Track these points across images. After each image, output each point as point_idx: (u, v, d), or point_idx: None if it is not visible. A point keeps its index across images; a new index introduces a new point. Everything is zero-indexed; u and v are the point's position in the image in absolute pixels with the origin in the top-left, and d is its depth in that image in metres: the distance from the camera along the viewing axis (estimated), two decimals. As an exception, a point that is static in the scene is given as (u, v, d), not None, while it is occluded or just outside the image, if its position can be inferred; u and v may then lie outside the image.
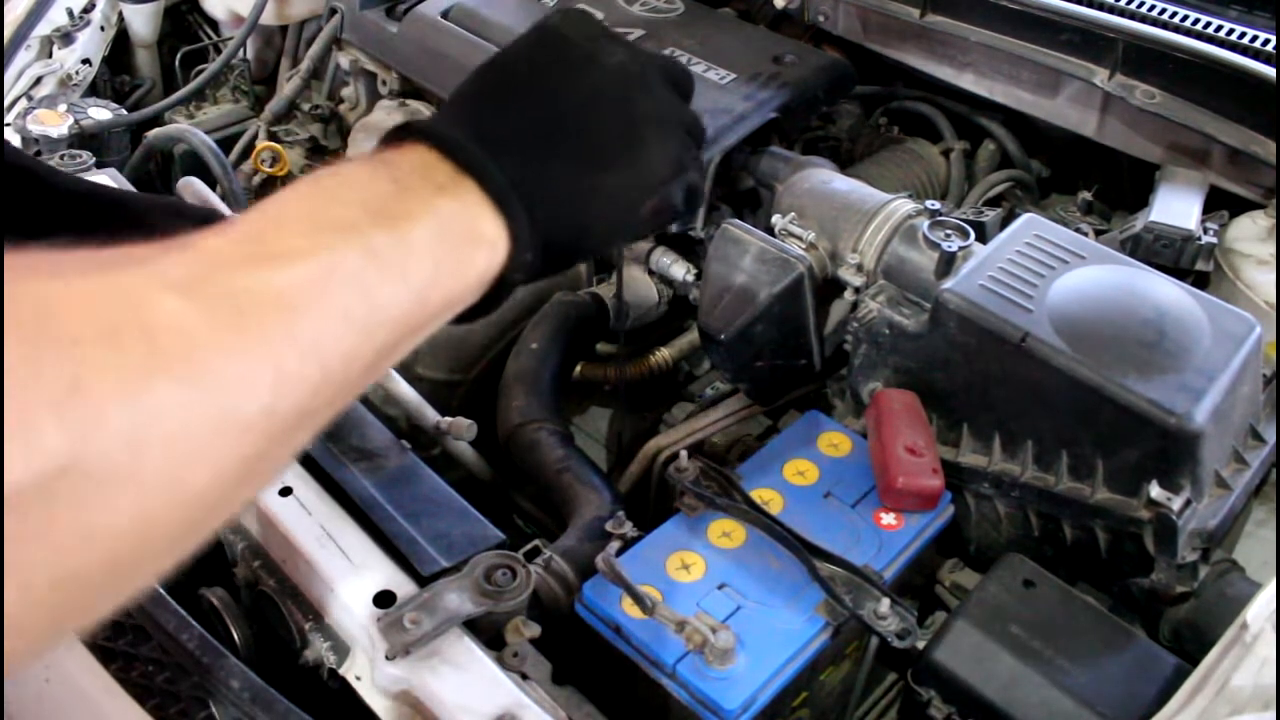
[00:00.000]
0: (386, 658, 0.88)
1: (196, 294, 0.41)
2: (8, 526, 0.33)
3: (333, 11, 1.84)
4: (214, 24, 2.12)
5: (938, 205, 1.25)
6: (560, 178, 0.60)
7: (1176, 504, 0.98)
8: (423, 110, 1.72)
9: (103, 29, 1.90)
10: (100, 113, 1.67)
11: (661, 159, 0.65)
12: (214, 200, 1.38)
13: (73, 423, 0.35)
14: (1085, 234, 1.32)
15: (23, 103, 1.70)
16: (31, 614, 0.36)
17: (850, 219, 1.26)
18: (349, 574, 0.95)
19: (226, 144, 1.83)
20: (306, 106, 1.94)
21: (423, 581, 0.94)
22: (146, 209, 0.87)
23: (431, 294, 0.52)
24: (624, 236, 0.69)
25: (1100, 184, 1.56)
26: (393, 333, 0.50)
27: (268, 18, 1.94)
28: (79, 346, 0.36)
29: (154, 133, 1.72)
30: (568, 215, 0.61)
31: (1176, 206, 1.33)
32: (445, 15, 1.69)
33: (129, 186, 1.42)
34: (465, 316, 0.58)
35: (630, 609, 0.94)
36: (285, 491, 1.01)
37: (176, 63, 2.03)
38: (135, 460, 0.37)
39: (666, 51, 1.55)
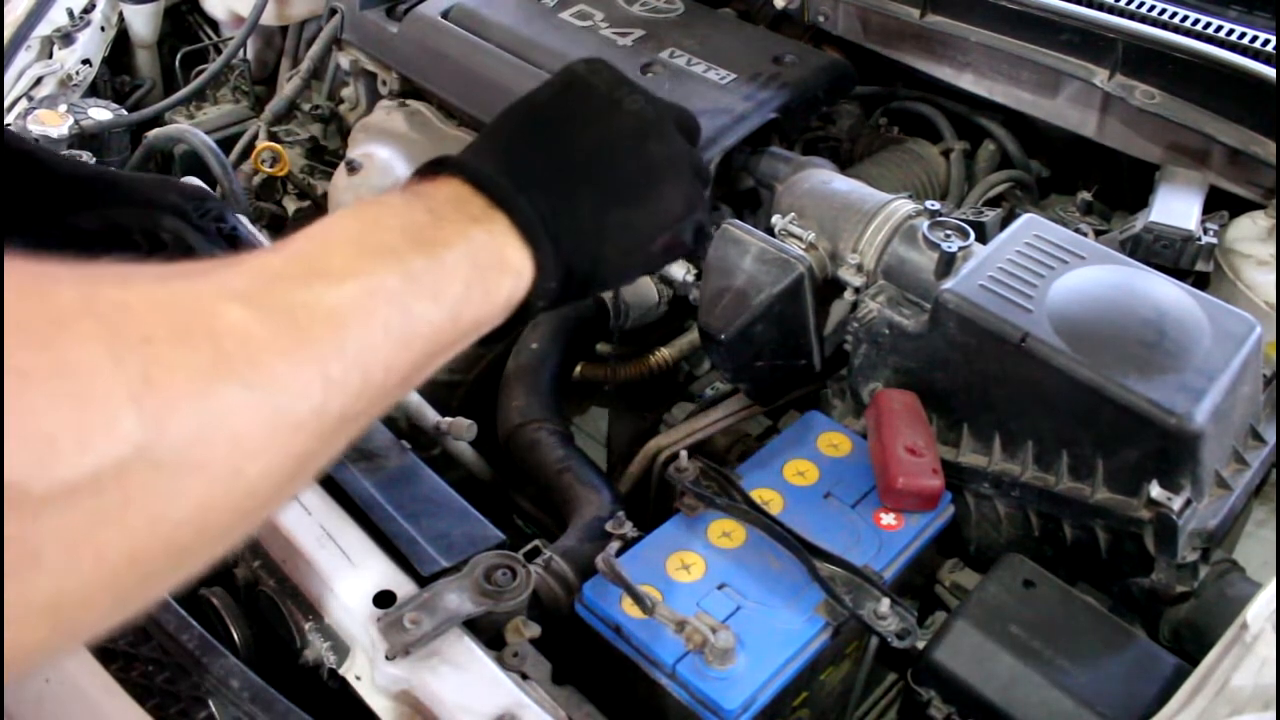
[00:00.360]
0: (386, 658, 0.88)
1: (257, 304, 0.45)
2: (87, 505, 0.36)
3: (333, 12, 1.84)
4: (214, 24, 2.12)
5: (938, 205, 1.25)
6: (583, 213, 0.65)
7: (1177, 504, 0.98)
8: (423, 110, 1.72)
9: (103, 29, 1.90)
10: (100, 113, 1.67)
11: (674, 198, 0.71)
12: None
13: (149, 413, 0.38)
14: (1085, 234, 1.32)
15: (23, 103, 1.70)
16: (100, 591, 0.38)
17: (850, 219, 1.26)
18: (349, 574, 0.95)
19: (226, 144, 1.83)
20: (307, 107, 1.94)
21: (423, 581, 0.94)
22: (139, 186, 0.89)
23: (463, 313, 0.57)
24: (638, 269, 0.74)
25: (1100, 184, 1.56)
26: (427, 347, 0.55)
27: (268, 18, 1.94)
28: (152, 345, 0.39)
29: (154, 133, 1.72)
30: (588, 248, 0.66)
31: (1176, 207, 1.33)
32: (445, 15, 1.69)
33: None
34: (491, 338, 0.63)
35: (630, 609, 0.95)
36: (285, 491, 1.01)
37: (176, 63, 2.03)
38: (201, 452, 0.40)
39: (666, 52, 1.55)
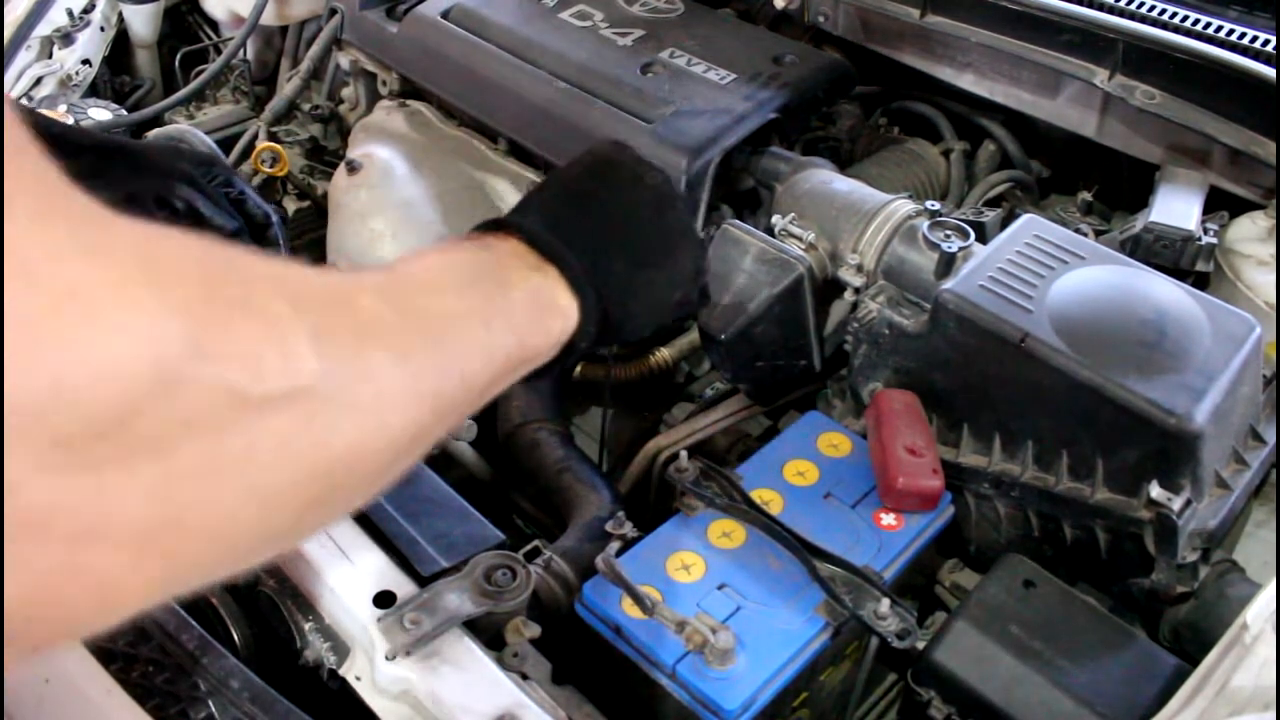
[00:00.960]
0: (386, 658, 0.88)
1: (388, 300, 0.54)
2: (258, 424, 0.41)
3: (333, 12, 1.84)
4: (214, 24, 2.12)
5: (938, 206, 1.25)
6: (616, 271, 0.75)
7: (1176, 504, 0.98)
8: (423, 110, 1.72)
9: (103, 29, 1.90)
10: (100, 113, 1.67)
11: (688, 261, 0.82)
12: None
13: (323, 354, 0.45)
14: (1085, 234, 1.32)
15: (23, 103, 1.70)
16: (259, 520, 0.43)
17: (850, 219, 1.26)
18: (349, 574, 0.95)
19: (226, 144, 1.83)
20: (306, 107, 1.94)
21: (423, 581, 0.94)
22: (152, 154, 0.92)
23: (526, 341, 0.66)
24: (657, 322, 0.82)
25: (1100, 184, 1.56)
26: (500, 366, 0.63)
27: (268, 18, 1.93)
28: (314, 306, 0.47)
29: (154, 133, 1.72)
30: (621, 298, 0.75)
31: (1176, 207, 1.33)
32: (445, 16, 1.69)
33: None
34: (538, 374, 0.71)
35: (630, 609, 0.95)
36: (285, 491, 1.01)
37: (176, 63, 2.02)
38: (358, 395, 0.47)
39: (666, 52, 1.55)
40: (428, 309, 0.58)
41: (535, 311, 0.68)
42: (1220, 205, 1.38)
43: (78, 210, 0.37)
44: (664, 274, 0.80)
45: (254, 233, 0.96)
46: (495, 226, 0.73)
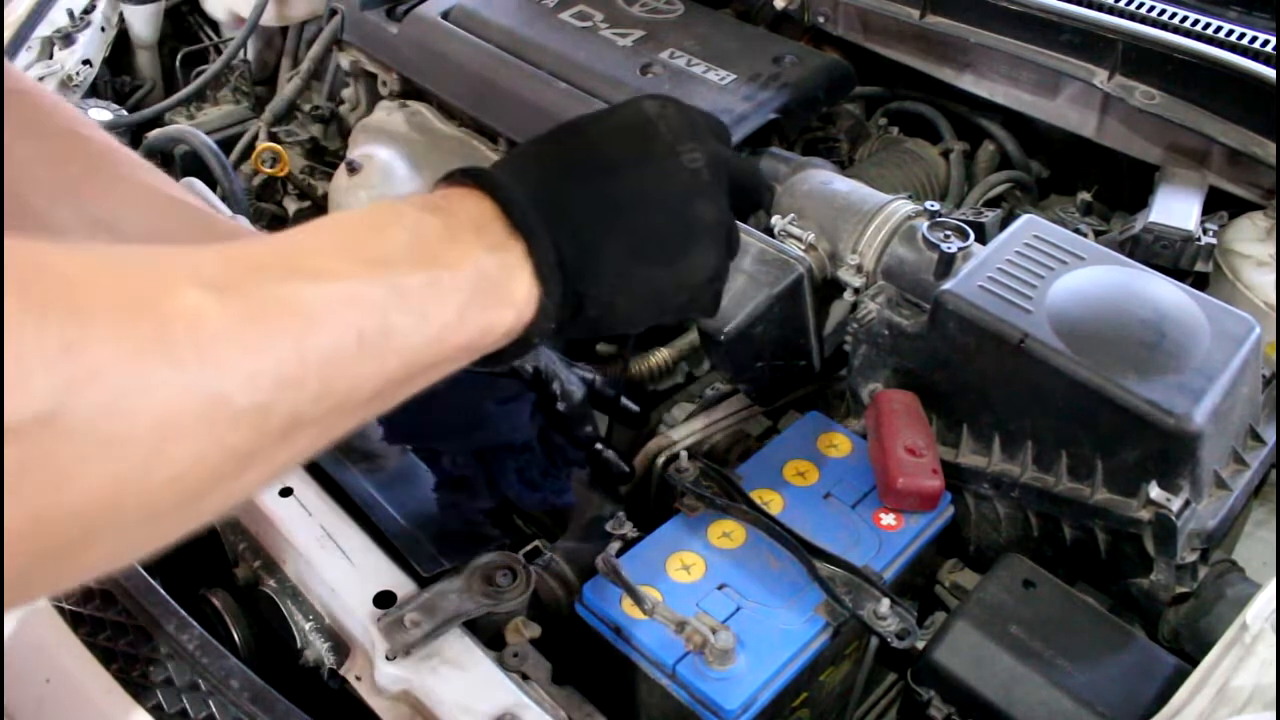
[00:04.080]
0: (386, 658, 0.88)
1: (222, 290, 0.44)
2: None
3: (333, 12, 1.85)
4: (214, 25, 2.12)
5: (937, 206, 1.25)
6: (607, 261, 0.63)
7: (1176, 504, 0.98)
8: (423, 111, 1.72)
9: (103, 30, 1.90)
10: (101, 114, 1.68)
11: (703, 265, 0.68)
12: (215, 201, 1.39)
13: (62, 379, 0.38)
14: (1085, 235, 1.32)
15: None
16: (7, 554, 0.38)
17: (850, 220, 1.26)
18: (349, 574, 0.95)
19: (227, 145, 1.83)
20: (307, 107, 1.95)
21: (423, 581, 0.95)
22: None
23: (451, 338, 0.55)
24: (650, 322, 0.70)
25: (1100, 185, 1.56)
26: (406, 365, 0.53)
27: (268, 19, 1.94)
28: (79, 316, 0.39)
29: (154, 133, 1.72)
30: (604, 296, 0.64)
31: (1176, 207, 1.33)
32: (446, 16, 1.69)
33: None
34: (486, 361, 0.61)
35: (630, 609, 0.95)
36: (285, 492, 1.01)
37: (177, 64, 2.03)
38: (117, 426, 0.40)
39: (666, 52, 1.55)
40: (289, 300, 0.47)
41: (473, 302, 0.56)
42: (1220, 205, 1.38)
43: None
44: (670, 273, 0.67)
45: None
46: (471, 178, 0.61)
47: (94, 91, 1.87)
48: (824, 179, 1.34)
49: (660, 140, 0.66)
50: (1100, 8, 1.43)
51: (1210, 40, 1.37)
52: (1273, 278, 1.26)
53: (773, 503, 1.07)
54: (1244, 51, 1.34)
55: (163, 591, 0.95)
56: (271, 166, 1.75)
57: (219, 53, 1.98)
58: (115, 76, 2.00)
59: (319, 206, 1.85)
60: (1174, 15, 1.40)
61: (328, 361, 0.48)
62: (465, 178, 0.61)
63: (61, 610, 0.97)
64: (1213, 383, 1.00)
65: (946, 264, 1.17)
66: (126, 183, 0.83)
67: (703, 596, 0.97)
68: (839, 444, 1.15)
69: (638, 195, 0.64)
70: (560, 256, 0.60)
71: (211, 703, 0.88)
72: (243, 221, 0.85)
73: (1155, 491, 0.99)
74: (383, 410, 0.54)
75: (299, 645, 0.97)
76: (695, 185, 0.66)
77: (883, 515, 1.06)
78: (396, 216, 0.56)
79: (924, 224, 1.21)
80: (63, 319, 0.39)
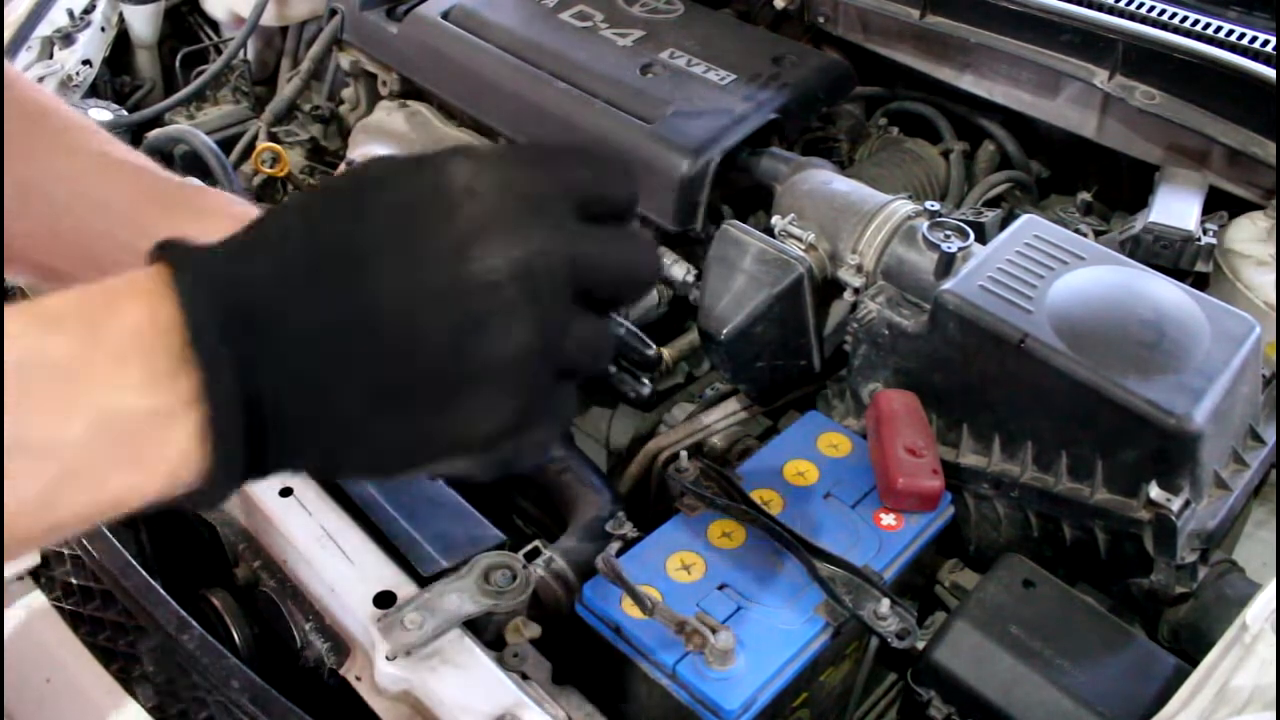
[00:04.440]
0: (386, 658, 0.88)
1: None
2: None
3: (333, 12, 1.84)
4: (214, 25, 2.12)
5: (937, 206, 1.25)
6: (339, 407, 0.45)
7: (1176, 504, 0.98)
8: (423, 111, 1.72)
9: (103, 30, 1.90)
10: (101, 114, 1.67)
11: (484, 418, 0.47)
12: None
13: None
14: (1085, 235, 1.32)
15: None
16: None
17: (850, 220, 1.26)
18: (349, 574, 0.95)
19: (227, 145, 1.83)
20: (307, 107, 1.94)
21: (423, 581, 0.95)
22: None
23: (58, 504, 0.42)
24: (402, 474, 0.51)
25: (1100, 185, 1.56)
26: None
27: (268, 19, 1.94)
28: None
29: (154, 133, 1.72)
30: (330, 448, 0.47)
31: (1176, 207, 1.33)
32: (446, 16, 1.69)
33: None
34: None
35: (630, 609, 0.95)
36: (285, 492, 1.01)
37: (177, 64, 2.02)
38: None
39: (666, 52, 1.55)
40: None
41: (89, 468, 0.42)
42: (1220, 205, 1.38)
43: None
44: (439, 424, 0.46)
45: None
46: (164, 254, 0.44)
47: (94, 91, 1.87)
48: (824, 179, 1.34)
49: (449, 232, 0.44)
50: (1100, 8, 1.43)
51: (1210, 40, 1.37)
52: (1273, 278, 1.26)
53: (773, 503, 1.07)
54: (1244, 51, 1.34)
55: (163, 591, 0.95)
56: (271, 166, 1.75)
57: (219, 53, 1.98)
58: (115, 76, 2.00)
59: (319, 206, 1.85)
60: (1174, 15, 1.40)
61: None
62: (164, 253, 0.44)
63: (61, 610, 0.97)
64: (1213, 383, 1.00)
65: (946, 264, 1.17)
66: (60, 145, 0.73)
67: (703, 596, 0.97)
68: (839, 444, 1.15)
69: (395, 310, 0.44)
70: (251, 399, 0.43)
71: (211, 703, 0.88)
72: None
73: (1155, 491, 0.99)
74: None
75: (299, 645, 0.97)
76: (487, 305, 0.44)
77: (883, 515, 1.06)
78: (21, 331, 0.41)
79: (924, 224, 1.21)
80: None
